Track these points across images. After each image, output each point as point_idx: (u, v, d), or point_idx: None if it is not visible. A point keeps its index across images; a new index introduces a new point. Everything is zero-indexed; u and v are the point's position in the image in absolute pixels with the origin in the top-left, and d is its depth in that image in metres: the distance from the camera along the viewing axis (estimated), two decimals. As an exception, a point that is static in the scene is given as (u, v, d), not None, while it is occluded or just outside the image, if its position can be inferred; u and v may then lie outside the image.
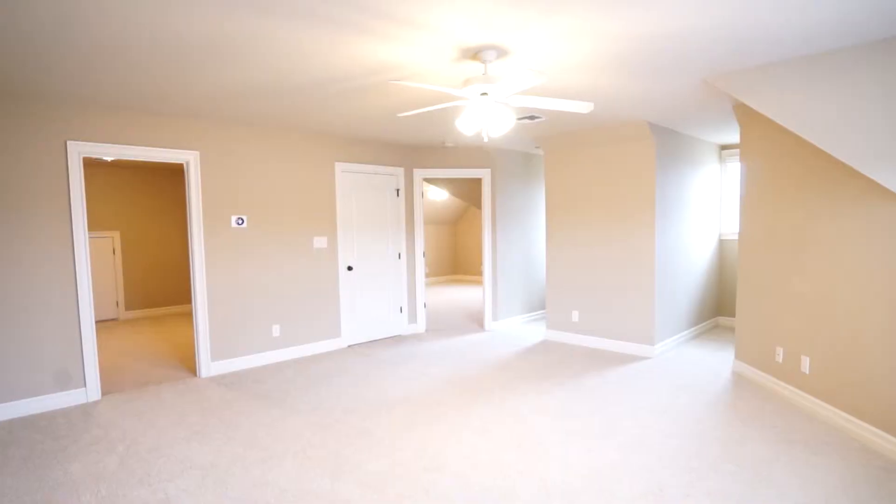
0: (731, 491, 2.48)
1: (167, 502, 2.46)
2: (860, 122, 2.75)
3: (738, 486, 2.53)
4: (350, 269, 5.59)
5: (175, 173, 7.88)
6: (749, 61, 2.99)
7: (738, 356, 4.46)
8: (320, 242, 5.32)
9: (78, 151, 3.84)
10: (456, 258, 11.86)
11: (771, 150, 3.91)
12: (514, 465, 2.78)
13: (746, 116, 4.18)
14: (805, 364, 3.56)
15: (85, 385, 3.91)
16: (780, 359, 3.85)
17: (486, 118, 2.79)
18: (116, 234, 7.34)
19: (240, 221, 4.73)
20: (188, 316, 7.59)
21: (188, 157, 4.39)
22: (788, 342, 3.76)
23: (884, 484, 2.53)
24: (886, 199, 2.88)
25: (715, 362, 4.71)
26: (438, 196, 9.82)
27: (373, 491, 2.53)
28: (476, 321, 6.88)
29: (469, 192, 8.41)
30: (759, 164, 4.10)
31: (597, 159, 5.27)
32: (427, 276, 11.13)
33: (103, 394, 4.07)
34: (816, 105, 2.91)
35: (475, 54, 2.75)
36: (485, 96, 2.73)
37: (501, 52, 2.74)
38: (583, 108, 2.92)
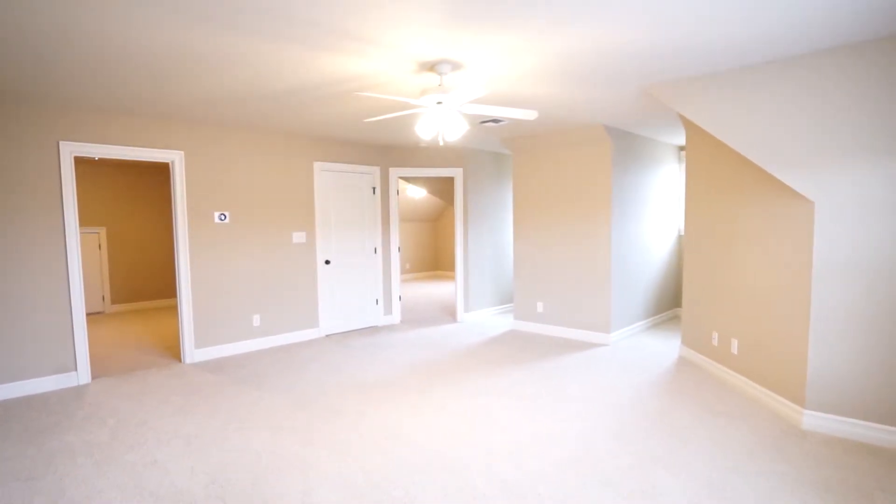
0: (652, 452, 2.86)
1: (155, 464, 2.77)
2: (774, 130, 3.14)
3: (660, 448, 2.91)
4: (328, 262, 5.91)
5: (159, 171, 8.12)
6: (680, 73, 3.37)
7: (683, 342, 4.87)
8: (299, 237, 5.64)
9: (70, 151, 4.11)
10: (436, 255, 12.20)
11: (709, 152, 4.31)
12: (464, 434, 3.14)
13: (689, 121, 4.58)
14: (734, 346, 3.97)
15: (76, 369, 4.19)
16: (715, 342, 4.26)
17: (441, 124, 3.14)
18: (103, 230, 7.57)
19: (222, 217, 5.02)
20: (172, 309, 7.85)
21: (173, 157, 4.67)
22: (722, 327, 4.16)
23: (779, 443, 2.93)
24: (794, 199, 3.28)
25: (665, 349, 5.11)
26: (418, 194, 10.15)
27: (336, 454, 2.87)
28: (449, 313, 7.24)
29: (445, 190, 8.75)
30: (699, 164, 4.50)
31: (559, 160, 5.65)
32: (408, 271, 11.47)
33: (93, 378, 4.36)
34: (738, 114, 3.30)
35: (432, 67, 3.09)
36: (440, 104, 3.07)
37: (455, 66, 3.09)
38: (528, 115, 3.27)
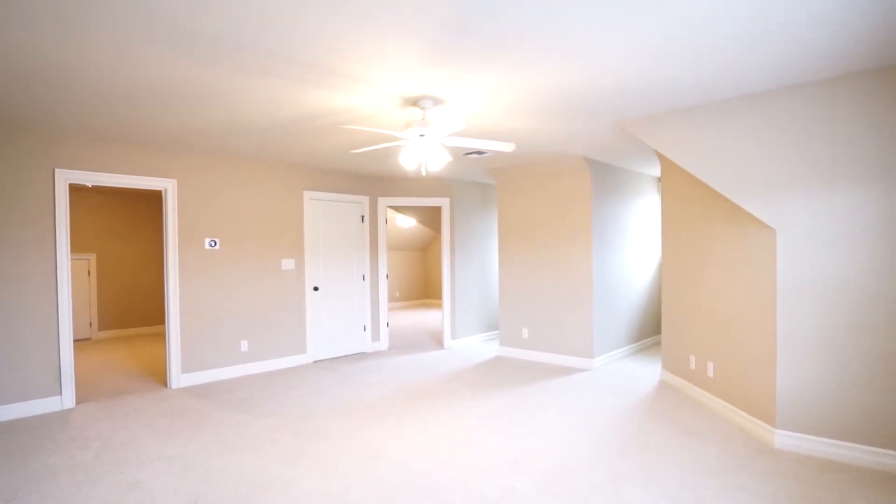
0: (626, 470, 2.94)
1: (137, 485, 2.81)
2: (738, 162, 3.34)
3: (633, 466, 2.99)
4: (316, 289, 6.00)
5: (150, 198, 8.24)
6: (650, 109, 3.59)
7: (664, 366, 4.98)
8: (288, 264, 5.74)
9: (65, 178, 4.24)
10: (426, 283, 12.30)
11: (683, 183, 4.52)
12: (446, 454, 3.20)
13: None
14: (710, 369, 4.08)
15: (61, 394, 4.21)
16: (693, 366, 4.38)
17: (424, 155, 3.31)
18: (93, 257, 7.62)
19: (213, 244, 5.13)
20: (160, 336, 7.85)
21: (166, 185, 4.81)
22: (699, 351, 4.29)
23: (750, 461, 3.02)
24: (758, 227, 3.46)
25: (646, 373, 5.21)
26: (407, 223, 10.32)
27: (320, 474, 2.92)
28: (437, 340, 7.30)
29: (433, 219, 8.93)
30: (674, 195, 4.71)
31: (541, 190, 5.85)
32: (397, 300, 11.54)
33: (78, 402, 4.37)
34: (705, 147, 3.50)
35: (415, 102, 3.28)
36: (423, 137, 3.25)
37: (437, 101, 3.28)
38: (506, 147, 3.46)
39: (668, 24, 2.25)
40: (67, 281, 4.25)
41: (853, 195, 2.96)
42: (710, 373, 4.08)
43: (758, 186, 3.28)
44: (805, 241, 3.14)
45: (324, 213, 6.10)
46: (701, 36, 2.38)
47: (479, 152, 5.04)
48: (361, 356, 6.26)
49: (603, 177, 5.63)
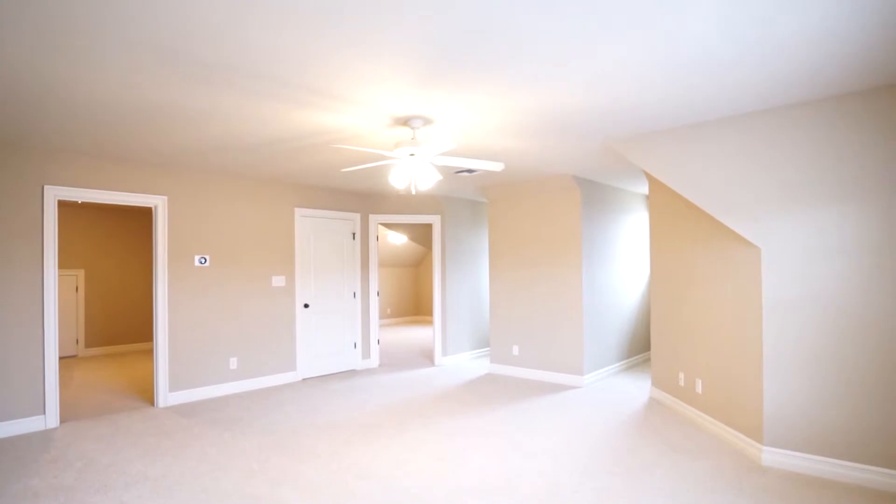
0: (614, 488, 2.94)
1: (121, 506, 2.76)
2: (723, 181, 3.41)
3: (621, 484, 2.99)
4: (307, 306, 5.98)
5: (140, 214, 8.22)
6: (638, 129, 3.66)
7: (654, 383, 4.99)
8: (279, 281, 5.73)
9: (54, 195, 4.23)
10: (417, 300, 12.28)
11: (670, 201, 4.59)
12: (435, 472, 3.18)
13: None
14: (699, 386, 4.10)
15: (44, 413, 4.14)
16: (682, 383, 4.39)
17: (414, 174, 3.34)
18: (81, 273, 7.56)
19: (203, 261, 5.12)
20: (148, 353, 7.76)
21: (157, 202, 4.81)
22: (687, 368, 4.31)
23: (739, 478, 3.03)
24: (743, 245, 3.51)
25: (637, 390, 5.22)
26: (398, 240, 10.34)
27: (306, 494, 2.89)
28: (427, 357, 7.28)
29: (425, 236, 8.96)
30: (661, 213, 4.77)
31: (532, 208, 5.90)
32: (389, 316, 11.50)
33: (62, 421, 4.30)
34: (690, 167, 3.57)
35: (405, 122, 3.33)
36: (413, 156, 3.29)
37: (426, 121, 3.33)
38: (495, 167, 3.51)
39: (651, 51, 2.32)
40: (54, 298, 4.22)
41: (836, 214, 3.02)
42: (699, 390, 4.10)
43: (742, 205, 3.34)
44: (789, 260, 3.19)
45: (315, 230, 6.11)
46: (684, 60, 2.45)
47: (470, 171, 5.10)
48: (351, 374, 6.22)
49: (592, 194, 5.70)
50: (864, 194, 2.93)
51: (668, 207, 4.60)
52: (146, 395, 5.22)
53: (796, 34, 2.19)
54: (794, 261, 3.17)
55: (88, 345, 7.62)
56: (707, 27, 2.12)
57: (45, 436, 3.95)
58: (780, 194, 3.19)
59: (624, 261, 6.30)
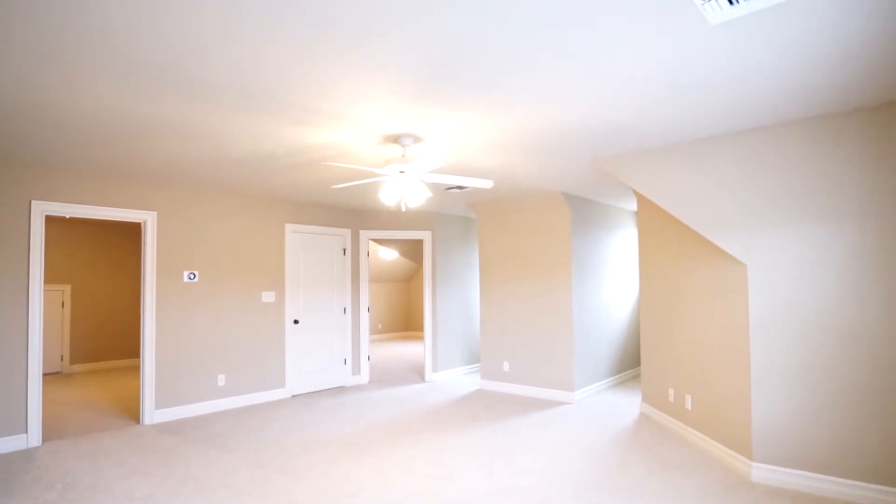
0: (604, 505, 2.93)
1: (104, 527, 2.71)
2: (710, 199, 3.47)
3: (611, 501, 2.98)
4: (296, 322, 5.95)
5: (129, 228, 8.16)
6: (626, 148, 3.72)
7: (644, 399, 5.00)
8: (268, 297, 5.70)
9: (41, 210, 4.20)
10: (409, 315, 12.24)
11: (658, 218, 4.64)
12: (424, 490, 3.15)
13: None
14: (688, 402, 4.12)
15: (27, 431, 4.06)
16: (672, 399, 4.41)
17: (404, 191, 3.37)
18: (68, 288, 7.47)
19: (192, 276, 5.08)
20: (134, 370, 7.64)
21: (146, 217, 4.79)
22: (677, 384, 4.33)
23: (728, 494, 3.03)
24: (730, 262, 3.56)
25: (627, 406, 5.22)
26: (389, 255, 10.34)
27: (295, 513, 2.85)
28: (418, 373, 7.24)
29: (416, 251, 8.96)
30: (649, 230, 4.83)
31: (522, 225, 5.95)
32: (380, 332, 11.44)
33: (44, 440, 4.21)
34: (678, 184, 3.63)
35: (395, 139, 3.36)
36: (403, 174, 3.32)
37: (416, 139, 3.37)
38: (485, 184, 3.54)
39: (635, 73, 2.38)
40: (39, 314, 4.16)
41: (821, 231, 3.08)
42: (689, 406, 4.11)
43: (728, 222, 3.39)
44: (775, 276, 3.24)
45: (305, 246, 6.10)
46: (669, 82, 2.51)
47: (460, 187, 5.14)
48: (341, 390, 6.17)
49: (582, 211, 5.76)
50: (848, 211, 3.00)
51: (657, 224, 4.66)
52: (132, 412, 5.14)
53: (780, 60, 2.26)
54: (780, 277, 3.22)
55: (74, 361, 7.50)
56: (692, 50, 2.18)
57: (26, 455, 3.87)
58: (766, 211, 3.25)
59: (613, 277, 6.35)
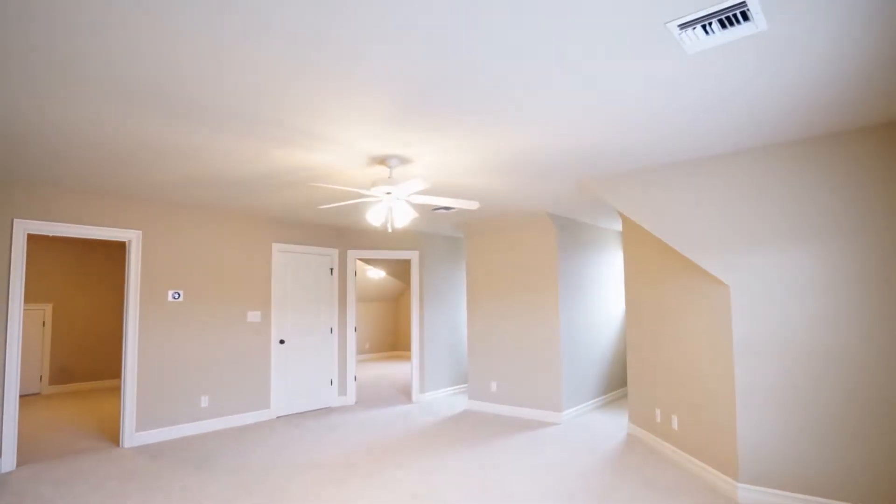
0: (591, 528, 2.90)
1: (78, 556, 2.62)
2: (692, 220, 3.52)
3: (598, 524, 2.95)
4: (282, 342, 5.89)
5: (113, 248, 8.08)
6: (609, 169, 3.78)
7: (631, 419, 4.99)
8: (254, 316, 5.65)
9: (24, 229, 4.15)
10: (396, 335, 12.17)
11: (642, 239, 4.70)
12: (410, 514, 3.11)
13: (623, 211, 5.02)
14: (675, 422, 4.12)
15: (0, 455, 3.95)
16: (658, 419, 4.41)
17: (391, 212, 3.39)
18: (49, 307, 7.35)
19: (176, 296, 5.03)
20: (115, 391, 7.49)
21: (131, 236, 4.75)
22: (663, 404, 4.33)
23: (715, 518, 3.02)
24: (713, 283, 3.61)
25: (614, 426, 5.21)
26: (377, 275, 10.31)
27: (277, 539, 2.79)
28: (405, 394, 7.18)
29: (403, 271, 8.96)
30: (634, 250, 4.88)
31: (508, 245, 5.98)
32: (367, 351, 11.35)
33: (19, 464, 4.10)
34: (661, 205, 3.69)
35: (382, 161, 3.39)
36: (389, 195, 3.34)
37: (403, 160, 3.40)
38: (471, 205, 3.57)
39: (615, 100, 2.44)
40: (18, 334, 4.09)
41: (804, 253, 3.14)
42: (675, 426, 4.11)
43: (711, 244, 3.45)
44: (758, 297, 3.29)
45: (292, 265, 6.08)
46: (649, 109, 2.57)
47: (447, 208, 5.17)
48: (327, 411, 6.09)
49: (568, 231, 5.81)
50: (831, 234, 3.06)
51: (642, 244, 4.71)
52: (111, 434, 5.03)
53: (760, 86, 2.33)
54: (763, 298, 3.27)
55: (53, 381, 7.34)
56: (672, 78, 2.25)
57: (0, 480, 3.76)
58: (748, 232, 3.31)
59: (600, 297, 6.38)
